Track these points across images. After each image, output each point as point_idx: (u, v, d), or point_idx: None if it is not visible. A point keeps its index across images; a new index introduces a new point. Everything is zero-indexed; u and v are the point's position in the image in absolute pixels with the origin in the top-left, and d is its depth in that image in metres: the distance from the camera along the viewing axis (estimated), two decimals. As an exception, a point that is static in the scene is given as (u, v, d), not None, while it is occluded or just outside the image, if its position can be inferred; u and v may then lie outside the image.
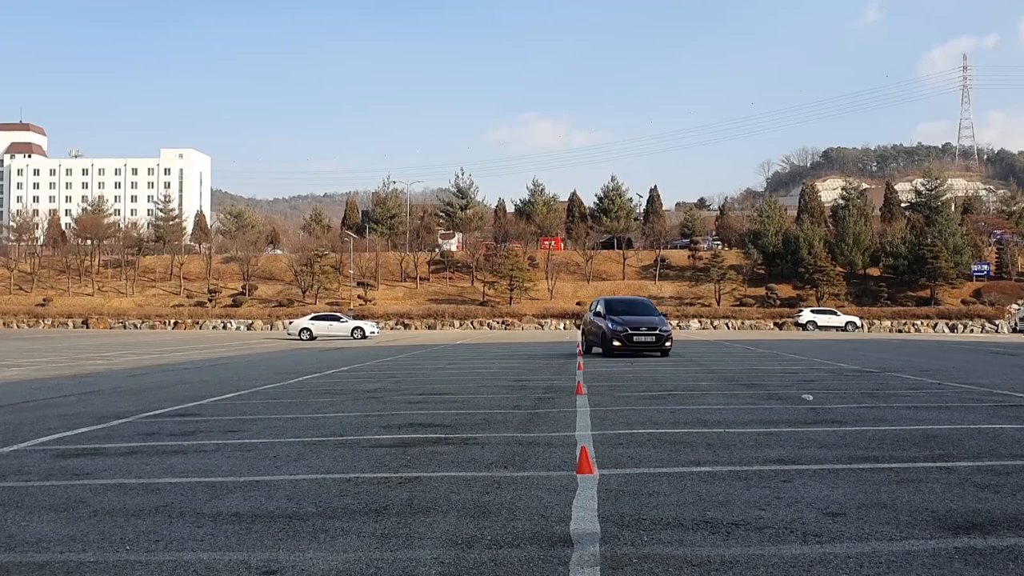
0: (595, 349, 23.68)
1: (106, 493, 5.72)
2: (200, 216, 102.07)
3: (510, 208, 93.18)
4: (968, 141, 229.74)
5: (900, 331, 62.54)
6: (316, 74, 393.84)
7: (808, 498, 5.30)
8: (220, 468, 6.60)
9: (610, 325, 21.55)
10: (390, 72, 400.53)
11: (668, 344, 21.61)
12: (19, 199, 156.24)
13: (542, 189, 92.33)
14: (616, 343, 21.16)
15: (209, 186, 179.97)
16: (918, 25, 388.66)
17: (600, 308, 23.17)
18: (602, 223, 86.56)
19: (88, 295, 79.24)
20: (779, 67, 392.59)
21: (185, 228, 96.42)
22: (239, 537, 4.54)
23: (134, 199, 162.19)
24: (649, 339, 21.35)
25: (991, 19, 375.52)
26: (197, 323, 68.98)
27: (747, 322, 66.19)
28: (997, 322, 63.63)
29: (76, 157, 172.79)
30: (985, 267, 73.30)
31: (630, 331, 21.15)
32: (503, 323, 67.13)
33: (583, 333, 25.44)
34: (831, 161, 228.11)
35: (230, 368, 19.49)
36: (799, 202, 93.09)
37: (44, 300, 75.92)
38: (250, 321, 69.04)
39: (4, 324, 70.25)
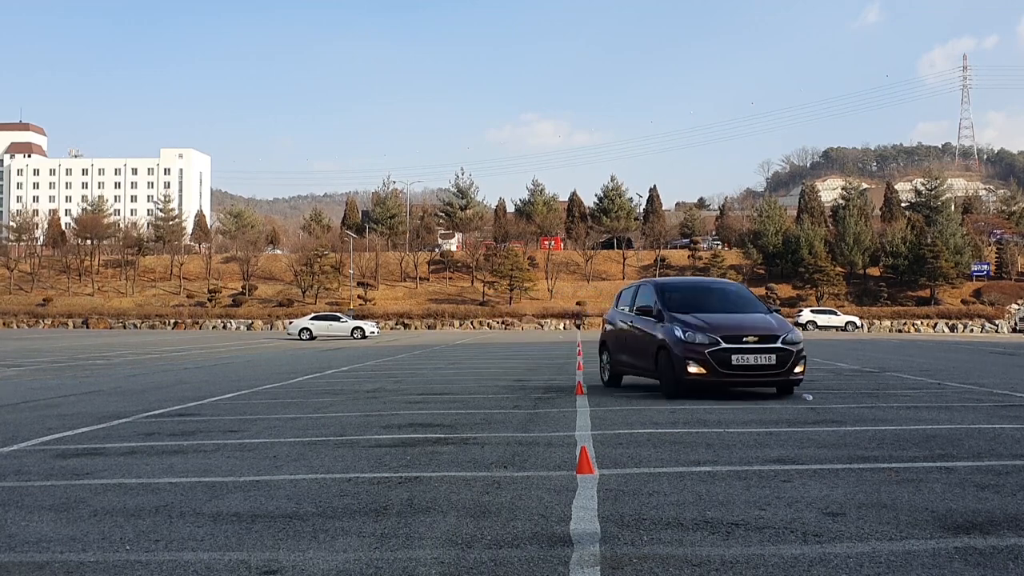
0: (627, 377, 13.65)
1: (106, 493, 5.72)
2: (200, 216, 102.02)
3: (510, 208, 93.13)
4: (968, 141, 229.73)
5: (900, 331, 62.55)
6: (316, 74, 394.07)
7: (808, 498, 5.30)
8: (220, 468, 6.60)
9: (680, 332, 11.08)
10: (390, 72, 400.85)
11: (799, 370, 11.23)
12: (19, 199, 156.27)
13: (542, 189, 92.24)
14: (695, 368, 10.80)
15: (209, 186, 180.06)
16: (918, 25, 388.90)
17: (648, 299, 12.42)
18: (602, 223, 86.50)
19: (88, 295, 79.17)
20: (779, 67, 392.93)
21: (185, 228, 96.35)
22: (239, 537, 4.54)
23: (134, 199, 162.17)
24: (765, 359, 10.87)
25: (991, 20, 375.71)
26: (197, 323, 68.97)
27: (747, 322, 66.02)
28: (997, 322, 63.63)
29: (76, 157, 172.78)
30: (985, 267, 73.29)
31: (724, 344, 10.78)
32: (503, 323, 67.12)
33: (602, 346, 14.08)
34: (831, 161, 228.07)
35: (230, 368, 19.49)
36: (799, 202, 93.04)
37: (44, 300, 75.88)
38: (250, 321, 69.02)
39: (4, 324, 70.24)
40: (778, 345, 10.99)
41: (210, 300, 74.31)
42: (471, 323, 67.31)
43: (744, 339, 10.92)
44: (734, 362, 10.75)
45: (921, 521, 4.73)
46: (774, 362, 10.90)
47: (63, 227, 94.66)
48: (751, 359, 10.83)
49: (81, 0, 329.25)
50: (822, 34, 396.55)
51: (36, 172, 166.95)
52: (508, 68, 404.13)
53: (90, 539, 4.55)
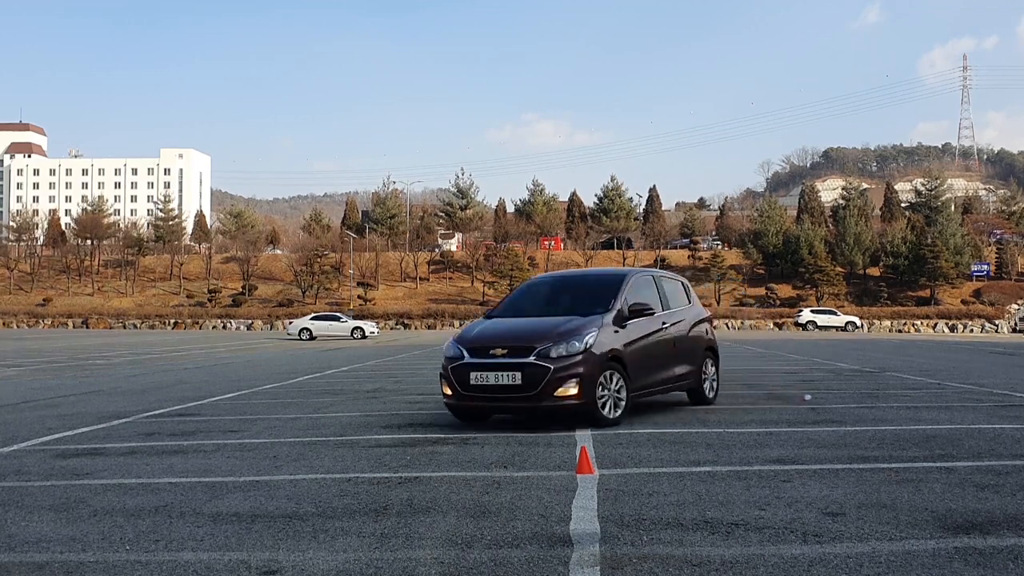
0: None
1: (106, 493, 5.72)
2: (200, 216, 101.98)
3: (510, 208, 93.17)
4: (968, 141, 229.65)
5: (900, 331, 62.56)
6: (316, 74, 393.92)
7: (808, 498, 5.30)
8: (220, 468, 6.61)
9: (450, 345, 9.05)
10: (390, 72, 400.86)
11: (565, 393, 8.24)
12: (19, 199, 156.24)
13: (542, 189, 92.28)
14: (445, 388, 8.91)
15: (209, 186, 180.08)
16: (918, 25, 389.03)
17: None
18: (602, 223, 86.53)
19: (88, 295, 79.20)
20: (779, 67, 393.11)
21: (185, 228, 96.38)
22: (239, 537, 4.54)
23: (134, 199, 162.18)
24: (508, 379, 8.36)
25: (991, 20, 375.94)
26: (197, 323, 68.98)
27: (747, 322, 66.18)
28: (997, 322, 63.66)
29: (76, 157, 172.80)
30: (985, 267, 73.34)
31: (468, 359, 8.64)
32: (503, 323, 67.07)
33: None
34: (831, 161, 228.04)
35: (230, 368, 19.49)
36: (799, 202, 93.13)
37: (44, 300, 75.91)
38: (250, 321, 69.04)
39: (4, 324, 70.24)
40: (528, 360, 8.22)
41: (210, 300, 74.33)
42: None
43: (491, 352, 8.51)
44: (472, 381, 8.44)
45: (921, 521, 4.72)
46: (519, 382, 8.23)
47: (63, 227, 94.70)
48: (491, 378, 8.35)
49: (81, 0, 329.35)
50: (822, 34, 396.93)
51: (36, 172, 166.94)
52: (508, 68, 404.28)
53: (90, 539, 4.55)
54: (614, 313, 8.89)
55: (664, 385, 9.73)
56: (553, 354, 8.22)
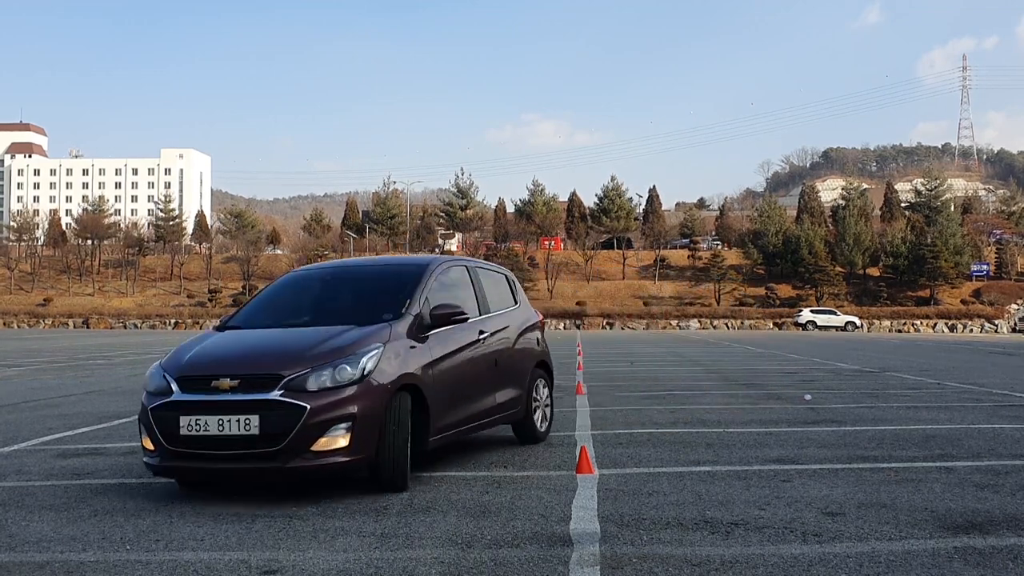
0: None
1: (106, 493, 5.73)
2: (200, 216, 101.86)
3: (510, 208, 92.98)
4: (967, 141, 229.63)
5: (900, 331, 62.57)
6: (316, 74, 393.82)
7: (808, 498, 5.31)
8: (220, 468, 6.60)
9: (153, 373, 5.74)
10: (390, 72, 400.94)
11: (330, 446, 5.23)
12: (19, 199, 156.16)
13: (542, 189, 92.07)
14: (145, 441, 5.55)
15: (209, 186, 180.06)
16: (918, 26, 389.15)
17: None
18: (602, 223, 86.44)
19: (88, 295, 79.22)
20: (779, 67, 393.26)
21: (185, 228, 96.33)
22: (239, 537, 4.55)
23: (134, 199, 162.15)
24: (239, 426, 5.18)
25: (991, 21, 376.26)
26: (198, 323, 68.97)
27: (747, 322, 66.21)
28: (997, 322, 63.69)
29: (76, 157, 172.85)
30: (985, 267, 73.33)
31: (178, 394, 5.41)
32: (503, 323, 67.06)
33: None
34: (831, 161, 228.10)
35: (230, 368, 19.47)
36: (799, 202, 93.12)
37: (45, 300, 75.91)
38: (250, 321, 69.02)
39: (4, 324, 70.24)
40: (271, 396, 5.28)
41: (210, 300, 74.35)
42: (471, 323, 67.21)
43: (213, 383, 5.41)
44: (184, 431, 5.31)
45: (921, 521, 4.73)
46: (255, 432, 5.21)
47: (64, 227, 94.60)
48: (212, 425, 5.26)
49: (81, 0, 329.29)
50: (822, 34, 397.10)
51: (36, 172, 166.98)
52: (508, 68, 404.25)
53: (90, 539, 4.55)
54: (410, 320, 6.07)
55: (481, 420, 6.81)
56: (311, 386, 5.33)
